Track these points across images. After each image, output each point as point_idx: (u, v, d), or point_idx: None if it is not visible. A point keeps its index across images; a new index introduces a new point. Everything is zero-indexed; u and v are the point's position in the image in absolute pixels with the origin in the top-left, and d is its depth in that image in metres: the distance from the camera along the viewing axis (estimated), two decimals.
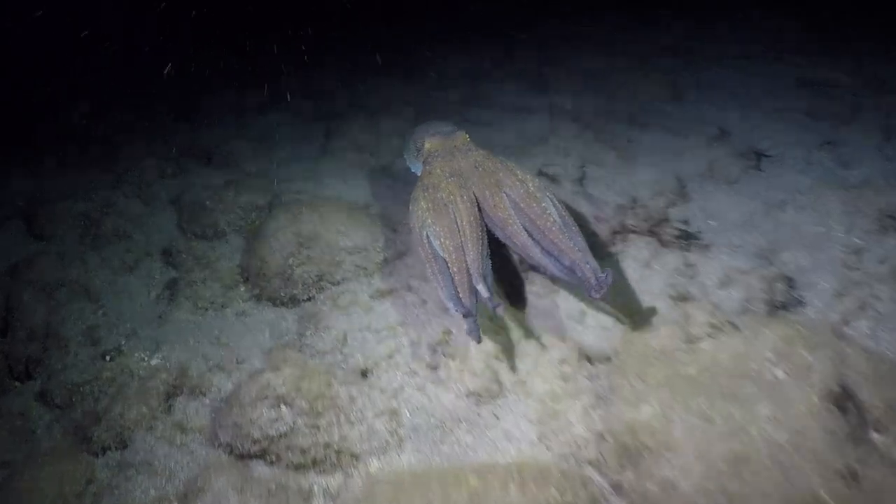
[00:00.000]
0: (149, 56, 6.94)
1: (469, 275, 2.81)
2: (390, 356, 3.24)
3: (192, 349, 3.60)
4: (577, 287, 2.98)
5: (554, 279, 3.48)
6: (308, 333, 3.49)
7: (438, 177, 3.23)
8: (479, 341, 2.76)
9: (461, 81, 6.86)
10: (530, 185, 3.10)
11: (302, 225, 3.94)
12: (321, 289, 3.79)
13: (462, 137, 3.55)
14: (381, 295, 3.63)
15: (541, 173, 4.63)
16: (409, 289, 3.63)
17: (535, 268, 3.53)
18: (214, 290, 3.99)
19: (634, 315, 3.31)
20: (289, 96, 6.55)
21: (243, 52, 7.44)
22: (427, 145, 3.54)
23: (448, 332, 3.27)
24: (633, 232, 3.94)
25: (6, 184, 5.42)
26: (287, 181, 4.88)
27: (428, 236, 3.00)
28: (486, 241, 2.97)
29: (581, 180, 4.57)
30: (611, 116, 5.60)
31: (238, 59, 7.49)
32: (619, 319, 3.30)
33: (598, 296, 2.73)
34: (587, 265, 2.77)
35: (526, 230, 2.94)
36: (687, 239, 3.95)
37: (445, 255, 2.91)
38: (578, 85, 6.38)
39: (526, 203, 3.00)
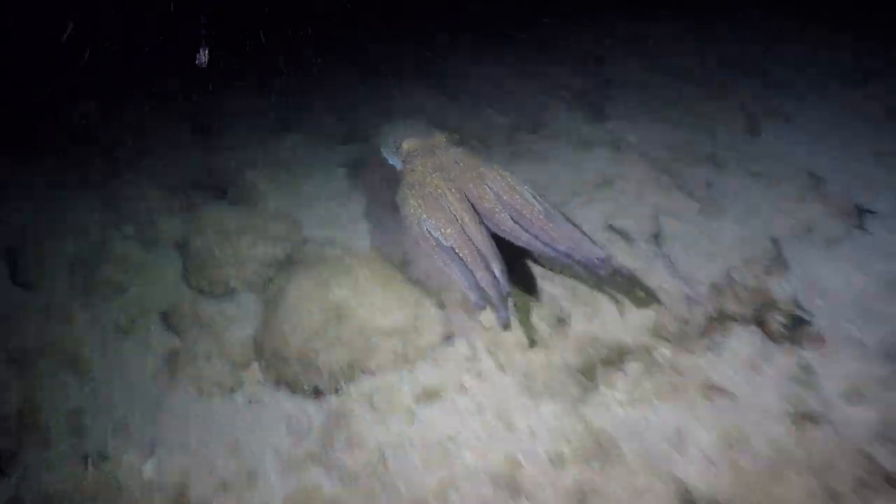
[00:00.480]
0: (159, 54, 6.40)
1: (483, 258, 2.87)
2: (442, 493, 2.55)
3: (195, 454, 2.94)
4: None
5: (555, 266, 3.49)
6: (337, 446, 2.80)
7: (422, 174, 3.29)
8: (505, 326, 2.88)
9: (504, 97, 6.11)
10: (509, 178, 3.19)
11: (329, 294, 3.27)
12: (352, 379, 3.10)
13: (440, 137, 3.66)
14: (427, 397, 2.95)
15: (609, 227, 3.92)
16: (462, 389, 2.94)
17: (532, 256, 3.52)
18: (222, 369, 3.33)
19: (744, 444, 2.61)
20: (311, 108, 5.88)
21: (259, 51, 6.87)
22: (406, 146, 3.60)
23: (518, 464, 2.57)
24: (734, 320, 3.23)
25: None
26: (311, 223, 4.18)
27: (428, 230, 3.02)
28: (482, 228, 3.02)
29: (657, 237, 3.85)
30: (681, 152, 4.85)
31: (250, 59, 6.92)
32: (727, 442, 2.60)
33: (605, 273, 2.87)
34: (582, 247, 2.86)
35: (512, 219, 3.01)
36: (797, 327, 3.24)
37: (451, 244, 2.94)
38: (638, 110, 5.61)
39: (508, 194, 3.09)
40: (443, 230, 2.98)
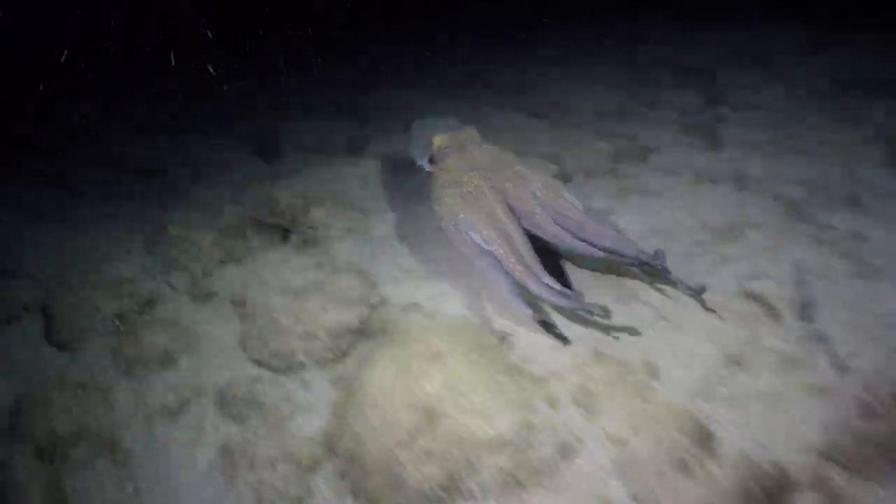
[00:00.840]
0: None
1: (528, 267, 2.72)
2: None
3: None
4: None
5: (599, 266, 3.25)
6: None
7: (458, 172, 3.13)
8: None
9: (603, 121, 5.39)
10: (546, 178, 3.05)
11: (417, 387, 2.65)
12: None
13: (470, 132, 3.44)
14: None
15: (745, 294, 3.22)
16: None
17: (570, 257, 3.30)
18: (286, 472, 2.73)
19: None
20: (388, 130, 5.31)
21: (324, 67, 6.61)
22: (436, 142, 3.39)
23: None
24: None
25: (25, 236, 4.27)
26: (388, 276, 3.56)
27: (467, 231, 2.90)
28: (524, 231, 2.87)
29: (806, 309, 3.13)
30: (815, 190, 4.09)
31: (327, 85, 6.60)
32: None
33: (660, 264, 2.81)
34: (631, 242, 2.78)
35: (554, 221, 2.87)
36: None
37: (493, 248, 2.81)
38: (756, 134, 4.85)
39: (547, 196, 2.94)
40: (484, 233, 2.83)
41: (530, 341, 3.01)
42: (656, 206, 4.01)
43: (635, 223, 3.87)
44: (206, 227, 4.03)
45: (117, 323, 3.50)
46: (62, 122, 5.92)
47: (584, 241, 2.83)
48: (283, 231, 4.05)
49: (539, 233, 2.92)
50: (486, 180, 3.03)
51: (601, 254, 2.82)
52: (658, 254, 2.87)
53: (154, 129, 6.25)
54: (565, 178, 4.29)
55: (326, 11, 7.70)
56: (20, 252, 4.36)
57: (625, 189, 4.18)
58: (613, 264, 3.19)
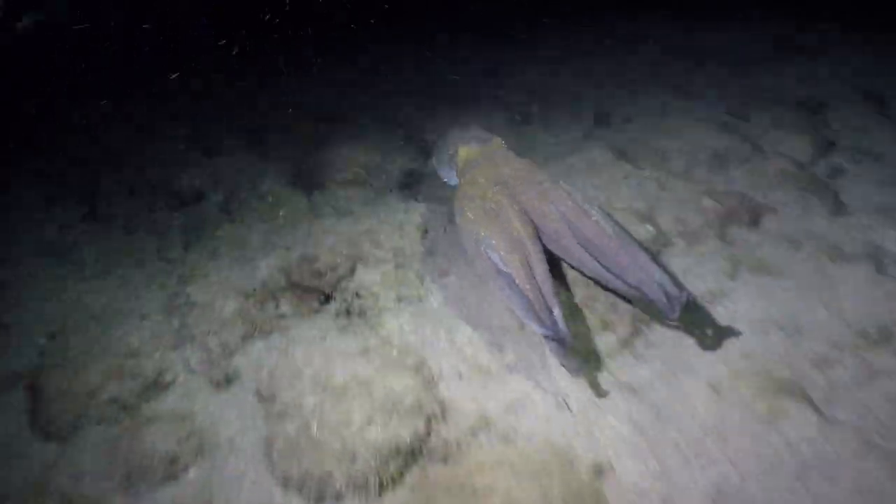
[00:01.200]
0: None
1: (542, 292, 2.54)
2: None
3: None
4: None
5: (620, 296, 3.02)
6: None
7: (482, 186, 2.97)
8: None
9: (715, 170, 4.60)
10: (577, 196, 2.85)
11: None
12: None
13: (497, 143, 3.31)
14: None
15: None
16: None
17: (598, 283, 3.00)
18: None
19: None
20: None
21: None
22: (462, 153, 3.30)
23: None
24: None
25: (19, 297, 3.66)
26: (451, 370, 2.89)
27: (486, 250, 2.70)
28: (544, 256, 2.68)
29: None
30: None
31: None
32: None
33: (674, 316, 2.54)
34: (655, 284, 2.55)
35: (580, 245, 2.70)
36: None
37: (510, 270, 2.60)
38: (887, 193, 4.04)
39: (576, 217, 2.77)
40: (503, 253, 2.65)
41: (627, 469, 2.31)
42: (779, 290, 3.25)
43: (754, 310, 3.14)
44: (232, 286, 3.33)
45: (117, 411, 2.83)
46: (92, 133, 5.52)
47: (609, 271, 2.63)
48: (322, 295, 3.35)
49: (564, 256, 2.77)
50: (511, 197, 2.87)
51: (623, 288, 2.62)
52: (676, 301, 2.55)
53: (183, 142, 5.62)
54: (664, 242, 3.53)
55: (327, 11, 7.49)
56: (20, 297, 3.75)
57: (737, 262, 3.42)
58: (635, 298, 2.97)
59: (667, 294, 2.55)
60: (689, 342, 2.97)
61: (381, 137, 5.16)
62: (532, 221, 2.81)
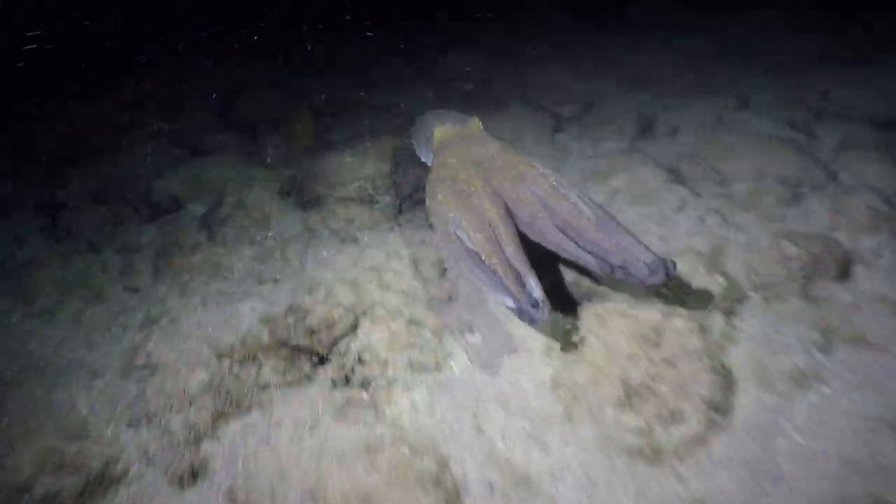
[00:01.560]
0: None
1: (514, 271, 2.39)
2: None
3: None
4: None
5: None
6: None
7: (454, 167, 2.85)
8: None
9: None
10: (553, 179, 2.70)
11: None
12: None
13: (474, 124, 3.22)
14: None
15: None
16: None
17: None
18: None
19: None
20: None
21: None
22: (437, 134, 3.20)
23: None
24: None
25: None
26: (478, 481, 2.27)
27: (455, 231, 2.59)
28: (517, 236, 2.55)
29: None
30: None
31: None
32: None
33: (658, 281, 2.36)
34: (640, 261, 2.38)
35: (558, 228, 2.56)
36: None
37: (478, 248, 2.48)
38: None
39: (553, 199, 2.62)
40: (471, 234, 2.52)
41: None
42: (884, 372, 2.59)
43: (853, 404, 2.48)
44: (205, 339, 2.68)
45: None
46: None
47: (589, 252, 2.48)
48: (315, 355, 2.70)
49: (541, 240, 2.59)
50: (484, 179, 2.75)
51: (605, 269, 2.45)
52: (658, 267, 2.36)
53: (167, 137, 4.94)
54: (737, 297, 2.88)
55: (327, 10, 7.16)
56: None
57: (829, 329, 2.76)
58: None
59: (649, 267, 2.38)
60: (775, 442, 2.32)
61: (393, 136, 4.45)
62: (504, 203, 2.67)
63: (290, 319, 2.79)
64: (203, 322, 2.86)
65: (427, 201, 2.88)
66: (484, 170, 2.81)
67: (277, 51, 6.61)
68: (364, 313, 2.83)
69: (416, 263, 3.15)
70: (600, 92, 5.43)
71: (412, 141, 3.62)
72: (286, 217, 3.83)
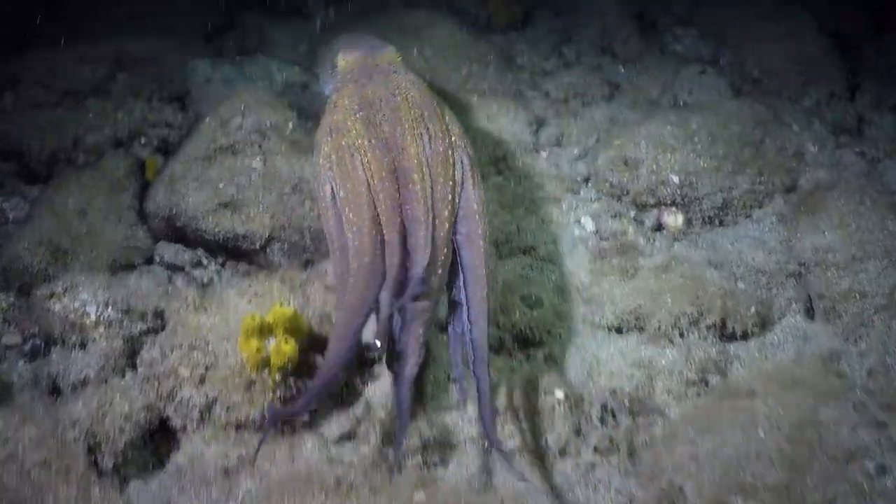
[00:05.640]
0: None
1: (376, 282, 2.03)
2: None
3: None
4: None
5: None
6: None
7: (345, 111, 2.38)
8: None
9: None
10: (454, 137, 2.34)
11: None
12: None
13: (389, 54, 2.69)
14: None
15: None
16: None
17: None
18: None
19: None
20: None
21: None
22: (340, 63, 2.71)
23: None
24: None
25: None
26: None
27: (332, 192, 2.23)
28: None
29: None
30: None
31: None
32: None
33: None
34: (481, 335, 2.03)
35: (429, 211, 2.14)
36: None
37: (348, 238, 2.11)
38: None
39: (432, 168, 2.24)
40: (347, 212, 2.13)
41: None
42: None
43: None
44: None
45: None
46: None
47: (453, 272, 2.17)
48: None
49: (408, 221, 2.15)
50: (374, 131, 2.29)
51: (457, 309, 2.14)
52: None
53: None
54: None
55: None
56: None
57: None
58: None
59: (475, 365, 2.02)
60: None
61: None
62: (395, 172, 2.22)
63: None
64: None
65: (313, 156, 2.48)
66: (375, 113, 2.38)
67: None
68: None
69: None
70: None
71: (318, 69, 3.31)
72: None
